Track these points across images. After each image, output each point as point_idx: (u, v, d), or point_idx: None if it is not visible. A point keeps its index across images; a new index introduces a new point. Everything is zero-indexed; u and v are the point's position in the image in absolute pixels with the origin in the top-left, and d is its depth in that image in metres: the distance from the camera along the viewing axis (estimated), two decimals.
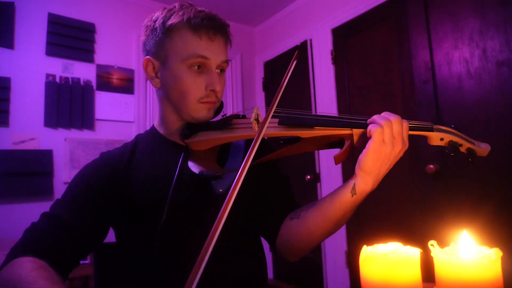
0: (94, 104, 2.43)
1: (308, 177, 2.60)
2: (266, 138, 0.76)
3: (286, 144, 0.73)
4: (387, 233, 2.00)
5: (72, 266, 0.74)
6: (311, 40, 2.68)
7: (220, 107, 0.84)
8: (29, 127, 2.19)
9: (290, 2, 2.84)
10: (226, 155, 0.85)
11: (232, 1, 2.76)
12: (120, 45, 2.60)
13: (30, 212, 2.26)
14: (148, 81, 2.65)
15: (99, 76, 2.47)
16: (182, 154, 0.78)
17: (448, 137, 0.67)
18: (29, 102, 2.21)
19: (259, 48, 3.27)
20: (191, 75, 0.76)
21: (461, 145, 0.68)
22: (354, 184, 0.66)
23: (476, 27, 1.69)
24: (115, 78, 2.54)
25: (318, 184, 2.57)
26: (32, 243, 0.70)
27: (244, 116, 0.83)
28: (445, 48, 1.82)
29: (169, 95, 0.80)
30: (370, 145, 0.62)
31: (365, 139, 0.65)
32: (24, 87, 2.20)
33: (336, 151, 0.68)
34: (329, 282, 2.42)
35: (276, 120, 0.73)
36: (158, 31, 0.77)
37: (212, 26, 0.76)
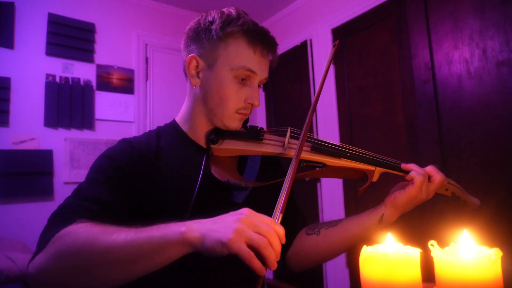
0: (94, 104, 2.43)
1: None
2: (287, 157, 0.78)
3: (308, 168, 0.77)
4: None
5: None
6: (311, 40, 2.68)
7: (247, 120, 0.85)
8: (29, 127, 2.19)
9: (290, 2, 2.83)
10: (243, 166, 0.86)
11: (231, 1, 2.76)
12: (120, 45, 2.60)
13: (30, 212, 2.26)
14: (148, 81, 2.68)
15: (99, 76, 2.47)
16: (205, 157, 0.78)
17: (452, 189, 0.79)
18: (29, 102, 2.20)
19: None
20: (235, 85, 0.78)
21: (459, 196, 0.80)
22: (383, 214, 0.77)
23: (476, 27, 1.69)
24: (115, 78, 2.54)
25: (318, 184, 2.57)
26: (73, 214, 0.63)
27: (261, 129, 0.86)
28: (445, 48, 1.81)
29: (206, 98, 0.80)
30: (411, 189, 0.72)
31: (385, 178, 0.75)
32: (24, 87, 2.20)
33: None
34: (329, 282, 2.42)
35: (309, 144, 0.77)
36: (213, 33, 0.77)
37: (266, 43, 0.79)
